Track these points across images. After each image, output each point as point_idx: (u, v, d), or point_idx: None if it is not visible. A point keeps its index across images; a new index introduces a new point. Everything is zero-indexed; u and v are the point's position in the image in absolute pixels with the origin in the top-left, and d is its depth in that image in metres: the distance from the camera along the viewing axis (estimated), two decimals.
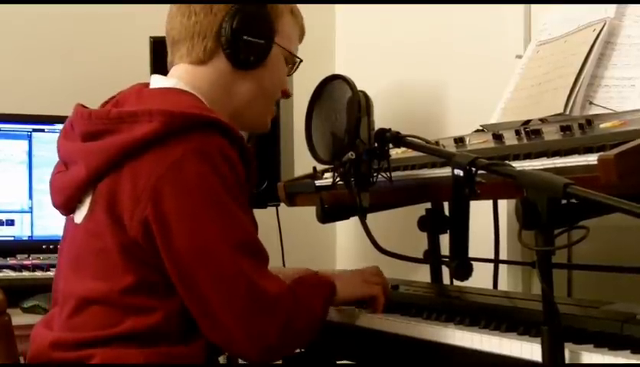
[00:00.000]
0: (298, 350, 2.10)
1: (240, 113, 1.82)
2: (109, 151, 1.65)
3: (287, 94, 1.92)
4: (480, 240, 2.03)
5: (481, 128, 2.21)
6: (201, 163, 1.60)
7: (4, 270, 2.57)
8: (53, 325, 1.72)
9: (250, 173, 1.73)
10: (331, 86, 1.86)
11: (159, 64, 1.94)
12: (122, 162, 1.63)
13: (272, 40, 1.81)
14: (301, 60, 1.90)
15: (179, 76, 1.79)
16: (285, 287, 1.68)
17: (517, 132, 1.87)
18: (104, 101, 1.80)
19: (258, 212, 2.80)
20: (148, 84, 1.82)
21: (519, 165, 1.60)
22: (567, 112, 1.95)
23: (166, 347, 1.63)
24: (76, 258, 1.73)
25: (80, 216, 1.72)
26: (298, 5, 1.90)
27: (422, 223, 2.35)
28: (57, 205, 1.79)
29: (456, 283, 2.03)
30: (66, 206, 1.76)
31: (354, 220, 1.92)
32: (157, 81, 1.81)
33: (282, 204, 2.39)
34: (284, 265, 2.89)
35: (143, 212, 1.60)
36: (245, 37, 1.76)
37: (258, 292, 1.61)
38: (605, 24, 2.00)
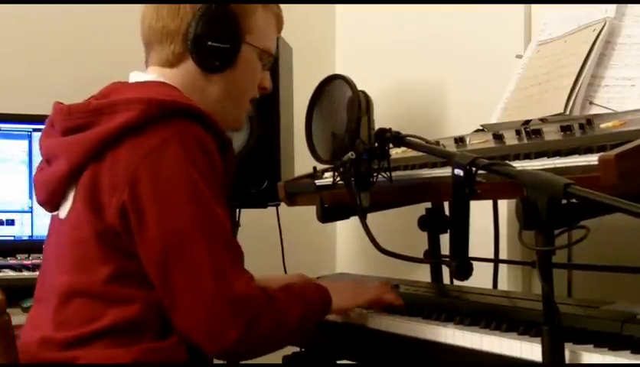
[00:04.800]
0: (297, 349, 2.11)
1: (213, 112, 1.77)
2: (88, 143, 1.65)
3: (265, 90, 1.90)
4: (480, 240, 2.03)
5: (481, 127, 2.22)
6: (178, 150, 1.60)
7: (4, 270, 2.57)
8: (40, 323, 1.70)
9: (228, 165, 1.71)
10: (331, 85, 1.86)
11: None
12: (103, 152, 1.63)
13: (240, 43, 1.78)
14: (275, 57, 1.86)
15: (157, 74, 1.79)
16: (255, 289, 1.63)
17: (518, 132, 1.87)
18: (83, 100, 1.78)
19: (258, 212, 2.85)
20: (127, 82, 1.81)
21: (519, 165, 1.60)
22: (567, 112, 1.95)
23: (148, 343, 1.61)
24: (58, 252, 1.73)
25: (64, 211, 1.72)
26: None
27: (423, 223, 2.36)
28: (41, 201, 1.79)
29: (456, 283, 2.03)
30: (51, 202, 1.76)
31: (354, 220, 1.92)
32: (136, 76, 1.81)
33: (283, 204, 2.39)
34: (284, 264, 2.90)
35: (120, 198, 1.59)
36: (209, 43, 1.75)
37: (226, 287, 1.58)
38: (605, 23, 2.00)
